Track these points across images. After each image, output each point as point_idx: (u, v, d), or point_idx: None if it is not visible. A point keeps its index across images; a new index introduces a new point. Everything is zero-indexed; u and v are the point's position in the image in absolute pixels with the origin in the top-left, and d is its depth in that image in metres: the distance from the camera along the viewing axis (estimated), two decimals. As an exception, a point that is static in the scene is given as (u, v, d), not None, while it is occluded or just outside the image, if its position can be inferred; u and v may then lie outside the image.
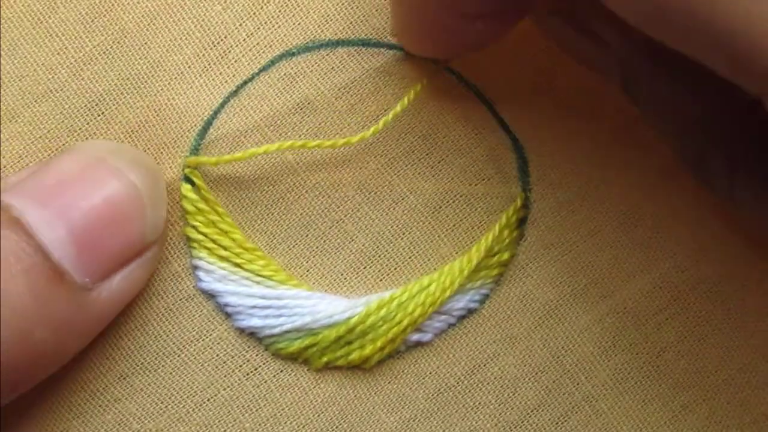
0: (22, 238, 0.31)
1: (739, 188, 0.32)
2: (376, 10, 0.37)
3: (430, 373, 0.38)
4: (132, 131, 0.36)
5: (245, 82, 0.37)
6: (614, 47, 0.32)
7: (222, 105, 0.37)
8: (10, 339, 0.31)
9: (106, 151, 0.34)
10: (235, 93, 0.37)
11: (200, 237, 0.37)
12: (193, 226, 0.36)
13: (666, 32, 0.27)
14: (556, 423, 0.38)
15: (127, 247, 0.33)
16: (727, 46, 0.25)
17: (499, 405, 0.38)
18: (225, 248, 0.37)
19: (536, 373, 0.38)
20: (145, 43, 0.36)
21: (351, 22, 0.37)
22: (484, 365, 0.38)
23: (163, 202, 0.35)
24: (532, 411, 0.38)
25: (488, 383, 0.38)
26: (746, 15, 0.25)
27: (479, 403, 0.38)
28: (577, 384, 0.38)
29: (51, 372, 0.33)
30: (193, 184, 0.36)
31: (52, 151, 0.36)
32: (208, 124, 0.37)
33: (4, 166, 0.36)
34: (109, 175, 0.33)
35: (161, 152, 0.36)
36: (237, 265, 0.37)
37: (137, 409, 0.36)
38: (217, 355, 0.37)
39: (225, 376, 0.37)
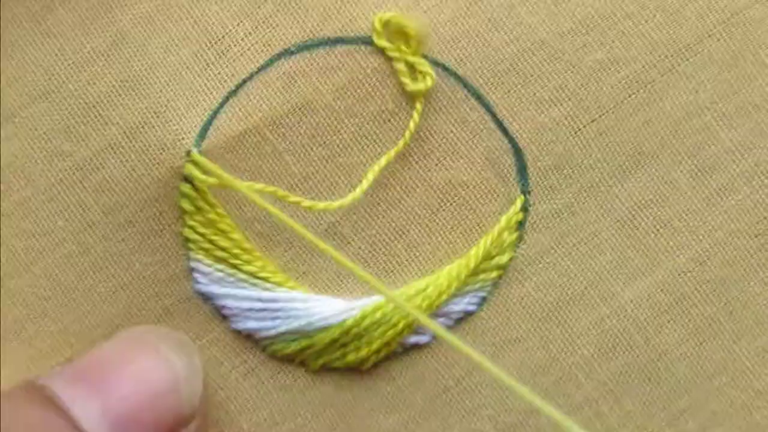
0: (54, 413, 0.31)
1: None
2: (376, 8, 0.37)
3: (428, 375, 0.38)
4: (131, 132, 0.36)
5: (244, 81, 0.36)
6: None
7: (221, 105, 0.37)
8: None
9: (153, 336, 0.35)
10: (234, 92, 0.37)
11: (198, 237, 0.37)
12: (191, 226, 0.37)
13: None
14: (556, 425, 0.38)
15: (164, 423, 0.33)
16: None
17: (498, 407, 0.38)
18: (223, 249, 0.37)
19: (535, 376, 0.38)
20: (143, 44, 0.36)
21: (350, 20, 0.37)
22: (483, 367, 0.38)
23: (199, 379, 0.35)
24: (531, 413, 0.38)
25: (487, 384, 0.38)
26: None
27: (478, 405, 0.38)
28: (577, 386, 0.38)
29: None
30: (192, 183, 0.36)
31: (48, 152, 0.36)
32: (207, 123, 0.36)
33: (3, 167, 0.36)
34: (146, 355, 0.34)
35: (160, 153, 0.36)
36: (234, 266, 0.37)
37: (135, 410, 0.37)
38: (215, 357, 0.37)
39: (222, 377, 0.37)
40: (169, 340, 0.34)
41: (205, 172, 0.36)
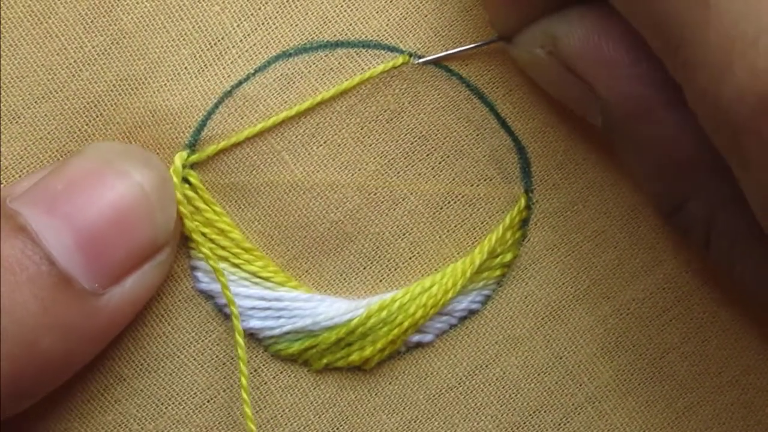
0: (27, 246, 0.31)
1: (716, 236, 0.32)
2: (376, 12, 0.37)
3: (431, 374, 0.38)
4: (129, 131, 0.36)
5: (239, 83, 0.36)
6: (597, 91, 0.32)
7: (216, 105, 0.36)
8: (14, 350, 0.30)
9: (114, 153, 0.34)
10: (229, 93, 0.36)
11: (199, 237, 0.36)
12: (191, 226, 0.36)
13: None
14: (559, 424, 0.38)
15: (137, 250, 0.33)
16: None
17: (501, 406, 0.38)
18: (223, 248, 0.37)
19: (538, 374, 0.38)
20: (144, 44, 0.36)
21: (350, 24, 0.37)
22: (486, 366, 0.38)
23: (173, 203, 0.34)
24: (534, 412, 0.38)
25: (490, 384, 0.38)
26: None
27: (481, 405, 0.38)
28: (580, 385, 0.38)
29: (64, 379, 0.33)
30: (189, 184, 0.36)
31: (52, 152, 0.36)
32: (202, 124, 0.36)
33: (5, 168, 0.36)
34: (116, 178, 0.33)
35: (158, 152, 0.36)
36: (236, 265, 0.37)
37: (137, 411, 0.36)
38: (217, 357, 0.37)
39: (225, 378, 0.37)
40: (142, 163, 0.33)
41: (202, 173, 0.36)
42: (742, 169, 0.28)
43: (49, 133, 0.36)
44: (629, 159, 0.33)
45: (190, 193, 0.36)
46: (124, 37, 0.36)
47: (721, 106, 0.26)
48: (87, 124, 0.36)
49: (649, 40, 0.29)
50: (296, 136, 0.37)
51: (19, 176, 0.36)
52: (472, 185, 0.38)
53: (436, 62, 0.37)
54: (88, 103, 0.36)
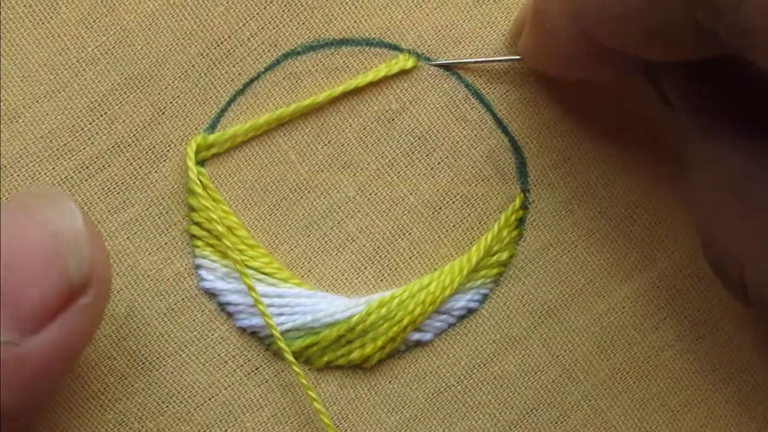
0: None
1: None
2: (380, 10, 0.37)
3: (430, 373, 0.38)
4: (137, 130, 0.36)
5: (251, 81, 0.37)
6: (677, 110, 0.33)
7: (228, 103, 0.37)
8: None
9: (27, 197, 0.32)
10: (241, 92, 0.37)
11: (204, 234, 0.37)
12: (197, 223, 0.37)
13: None
14: (556, 422, 0.39)
15: (52, 297, 0.30)
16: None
17: (499, 404, 0.38)
18: (228, 245, 0.37)
19: (535, 373, 0.38)
20: (148, 43, 0.36)
21: (355, 22, 0.37)
22: (484, 365, 0.38)
23: (87, 244, 0.31)
24: (531, 410, 0.38)
25: (487, 382, 0.38)
26: None
27: (478, 403, 0.38)
28: (576, 383, 0.38)
29: None
30: (200, 181, 0.37)
31: (53, 150, 0.36)
32: (214, 122, 0.37)
33: (5, 167, 0.36)
34: (25, 224, 0.31)
35: (166, 151, 0.36)
36: (239, 262, 0.37)
37: (138, 409, 0.36)
38: (219, 355, 0.37)
39: (226, 376, 0.37)
40: (51, 204, 0.31)
41: (210, 173, 0.36)
42: None
43: (50, 131, 0.36)
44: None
45: (200, 191, 0.36)
46: (127, 36, 0.36)
47: None
48: (91, 123, 0.36)
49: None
50: (302, 136, 0.37)
51: (19, 175, 0.36)
52: (470, 185, 0.38)
53: (443, 65, 0.37)
54: (92, 102, 0.36)
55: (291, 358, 0.36)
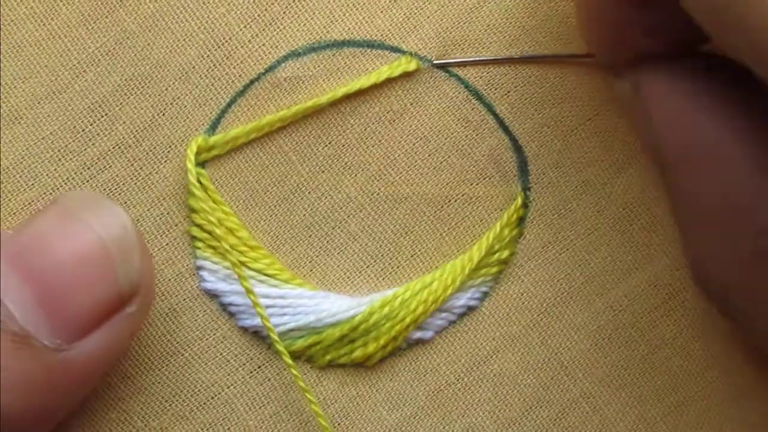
0: None
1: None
2: (381, 11, 0.37)
3: (430, 371, 0.38)
4: (138, 131, 0.36)
5: (252, 82, 0.37)
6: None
7: (229, 105, 0.37)
8: None
9: (78, 203, 0.32)
10: (242, 93, 0.37)
11: (205, 235, 0.37)
12: (198, 225, 0.37)
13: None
14: (555, 419, 0.39)
15: (100, 304, 0.31)
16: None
17: (498, 401, 0.39)
18: (229, 246, 0.37)
19: (534, 370, 0.39)
20: (148, 44, 0.36)
21: (356, 23, 0.37)
22: (484, 362, 0.39)
23: (137, 253, 0.32)
24: (530, 407, 0.39)
25: (487, 380, 0.39)
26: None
27: (478, 400, 0.38)
28: (575, 380, 0.39)
29: None
30: (200, 182, 0.37)
31: (54, 152, 0.36)
32: (215, 124, 0.37)
33: (5, 168, 0.36)
34: (76, 230, 0.31)
35: (167, 152, 0.36)
36: (241, 263, 0.37)
37: (141, 408, 0.37)
38: (221, 354, 0.37)
39: (228, 375, 0.37)
40: (104, 213, 0.32)
41: (211, 173, 0.36)
42: None
43: (51, 133, 0.36)
44: None
45: (200, 192, 0.36)
46: (128, 38, 0.36)
47: None
48: (92, 124, 0.36)
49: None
50: (304, 137, 0.37)
51: (20, 177, 0.36)
52: (471, 184, 0.38)
53: (445, 66, 0.38)
54: (93, 103, 0.36)
55: (289, 360, 0.36)
